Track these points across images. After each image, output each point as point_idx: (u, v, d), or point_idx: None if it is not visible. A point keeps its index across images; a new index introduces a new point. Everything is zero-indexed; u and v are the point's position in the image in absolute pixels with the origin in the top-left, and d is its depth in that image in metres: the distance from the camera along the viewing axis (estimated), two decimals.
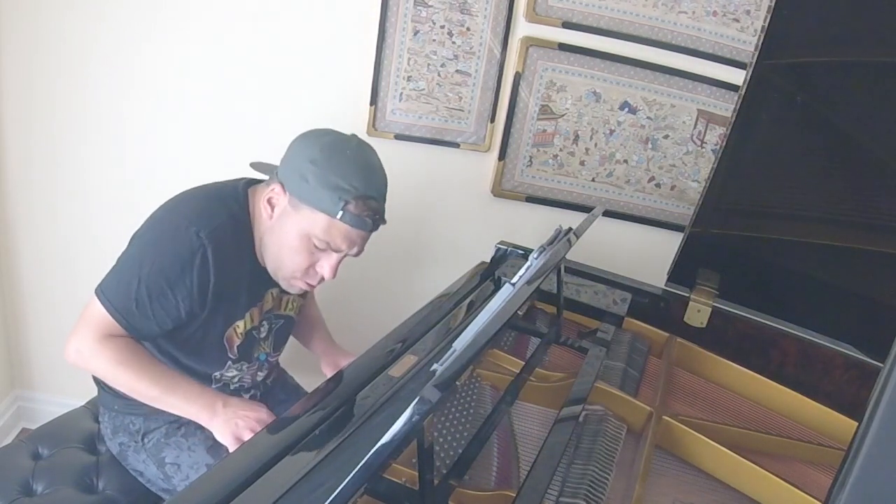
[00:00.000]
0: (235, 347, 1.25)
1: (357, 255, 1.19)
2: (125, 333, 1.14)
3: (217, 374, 1.28)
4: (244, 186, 1.23)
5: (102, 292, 1.13)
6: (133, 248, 1.15)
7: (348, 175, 1.10)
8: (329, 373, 1.42)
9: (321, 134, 1.15)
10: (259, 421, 1.12)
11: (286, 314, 1.35)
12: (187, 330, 1.18)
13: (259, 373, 1.35)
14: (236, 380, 1.31)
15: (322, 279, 1.20)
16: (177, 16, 1.69)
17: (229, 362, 1.27)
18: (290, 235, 1.15)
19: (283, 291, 1.29)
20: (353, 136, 1.18)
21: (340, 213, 1.10)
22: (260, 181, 1.25)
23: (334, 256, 1.17)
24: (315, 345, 1.49)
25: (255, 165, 1.25)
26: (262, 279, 1.24)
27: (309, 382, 1.54)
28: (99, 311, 1.13)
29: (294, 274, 1.19)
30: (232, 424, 1.12)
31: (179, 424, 1.28)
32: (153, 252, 1.12)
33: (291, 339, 1.55)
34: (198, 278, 1.12)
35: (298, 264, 1.17)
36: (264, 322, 1.30)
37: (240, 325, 1.24)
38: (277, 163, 1.18)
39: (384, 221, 1.19)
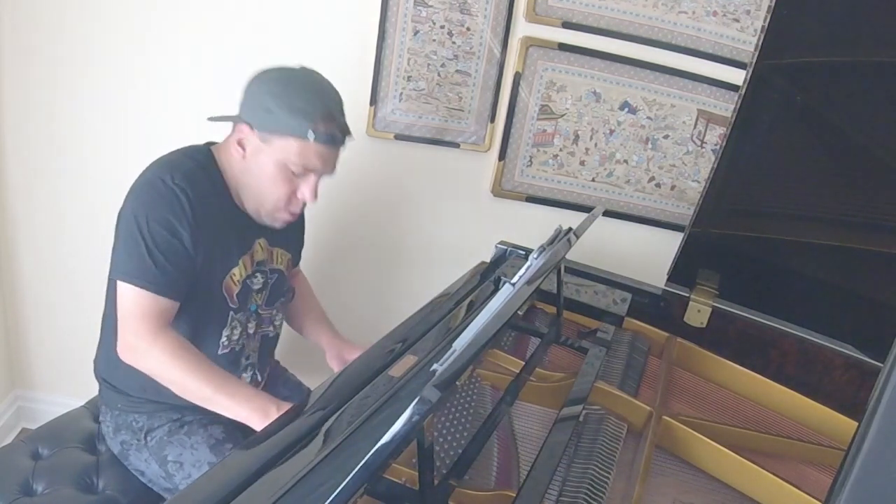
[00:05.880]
0: (235, 296, 1.28)
1: (331, 173, 1.25)
2: (164, 306, 1.15)
3: (225, 334, 1.28)
4: (205, 145, 1.29)
5: (120, 271, 1.16)
6: (123, 220, 1.18)
7: (309, 98, 1.17)
8: (335, 366, 1.42)
9: (269, 70, 1.21)
10: None
11: (278, 268, 1.38)
12: (194, 283, 1.21)
13: (249, 324, 1.34)
14: (240, 342, 1.32)
15: (304, 204, 1.27)
16: (176, 13, 1.69)
17: (231, 313, 1.28)
18: (268, 168, 1.20)
19: (271, 244, 1.34)
20: (298, 65, 1.23)
21: (311, 133, 1.16)
22: (217, 143, 1.31)
23: (312, 179, 1.23)
24: (320, 337, 1.49)
25: (213, 118, 1.28)
26: (247, 227, 1.28)
27: (309, 382, 1.54)
28: (130, 295, 1.15)
29: (277, 205, 1.25)
30: None
31: (182, 423, 1.28)
32: (143, 211, 1.15)
33: (296, 334, 1.55)
34: (192, 216, 1.16)
35: (280, 194, 1.23)
36: (258, 273, 1.32)
37: (235, 273, 1.27)
38: (234, 114, 1.24)
39: (350, 134, 1.24)
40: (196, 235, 1.17)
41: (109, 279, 1.21)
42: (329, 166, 1.23)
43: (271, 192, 1.23)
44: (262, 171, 1.21)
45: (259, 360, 1.40)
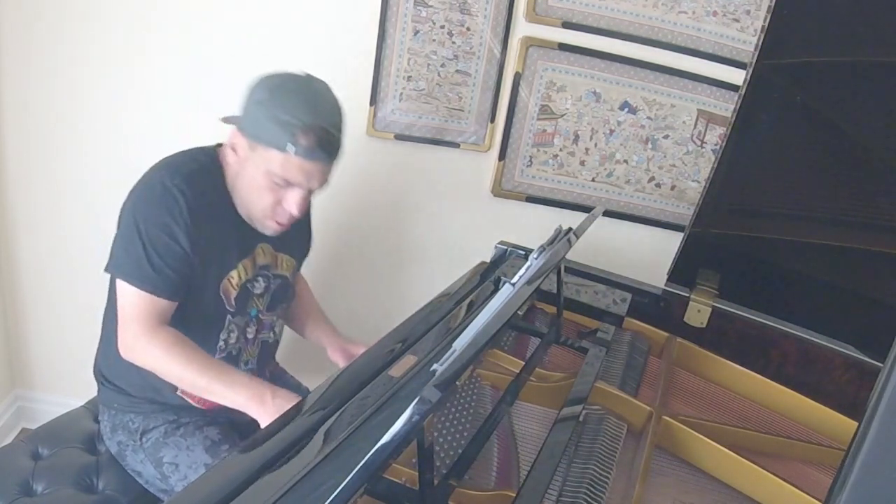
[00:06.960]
0: (233, 299, 1.27)
1: (320, 187, 1.22)
2: (162, 306, 1.17)
3: (222, 338, 1.28)
4: (214, 146, 1.28)
5: (118, 269, 1.17)
6: (124, 219, 1.19)
7: (294, 109, 1.14)
8: (340, 360, 1.41)
9: (270, 75, 1.19)
10: None
11: (282, 274, 1.37)
12: (190, 282, 1.21)
13: (248, 328, 1.34)
14: (237, 346, 1.32)
15: (291, 216, 1.23)
16: (176, 13, 1.69)
17: (228, 316, 1.28)
18: (254, 176, 1.19)
19: (276, 249, 1.33)
20: (304, 73, 1.21)
21: (291, 146, 1.13)
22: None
23: (297, 192, 1.20)
24: (321, 336, 1.49)
25: (226, 119, 1.27)
26: (249, 230, 1.27)
27: (309, 384, 1.54)
28: (129, 294, 1.16)
29: (264, 213, 1.23)
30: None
31: (178, 424, 1.28)
32: (142, 213, 1.16)
33: (296, 337, 1.55)
34: (189, 218, 1.16)
35: (265, 203, 1.21)
36: (260, 278, 1.32)
37: (234, 276, 1.26)
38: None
39: (339, 149, 1.21)
40: (193, 237, 1.17)
41: (107, 271, 1.20)
42: (314, 181, 1.19)
43: (258, 199, 1.21)
44: (250, 177, 1.20)
45: (258, 365, 1.39)
